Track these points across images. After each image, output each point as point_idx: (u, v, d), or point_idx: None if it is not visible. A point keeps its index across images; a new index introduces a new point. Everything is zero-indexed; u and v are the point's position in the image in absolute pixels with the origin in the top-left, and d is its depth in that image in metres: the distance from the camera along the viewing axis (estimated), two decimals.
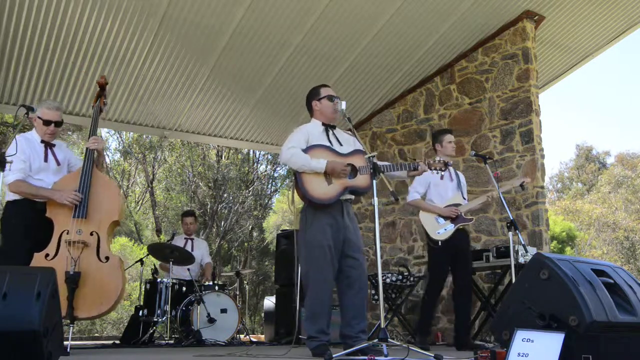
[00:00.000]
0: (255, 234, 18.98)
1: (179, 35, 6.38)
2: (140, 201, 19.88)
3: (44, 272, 2.59)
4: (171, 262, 6.35)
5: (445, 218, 4.98)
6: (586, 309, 2.33)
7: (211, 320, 6.08)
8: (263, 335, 9.57)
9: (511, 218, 4.70)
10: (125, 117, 7.81)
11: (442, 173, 4.91)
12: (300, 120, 7.43)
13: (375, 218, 3.39)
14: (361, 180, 3.80)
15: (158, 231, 17.64)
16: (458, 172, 5.26)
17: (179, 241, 7.10)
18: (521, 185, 5.11)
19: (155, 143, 17.87)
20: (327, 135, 3.93)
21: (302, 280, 3.91)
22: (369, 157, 3.54)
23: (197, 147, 17.58)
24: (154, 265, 6.97)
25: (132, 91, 7.25)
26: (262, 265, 18.20)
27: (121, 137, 18.89)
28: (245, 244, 18.48)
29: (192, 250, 7.00)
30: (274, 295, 8.13)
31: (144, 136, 17.29)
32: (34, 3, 5.68)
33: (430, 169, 3.92)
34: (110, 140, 20.11)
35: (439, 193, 5.08)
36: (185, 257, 6.45)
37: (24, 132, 4.28)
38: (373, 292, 6.71)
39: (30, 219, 3.99)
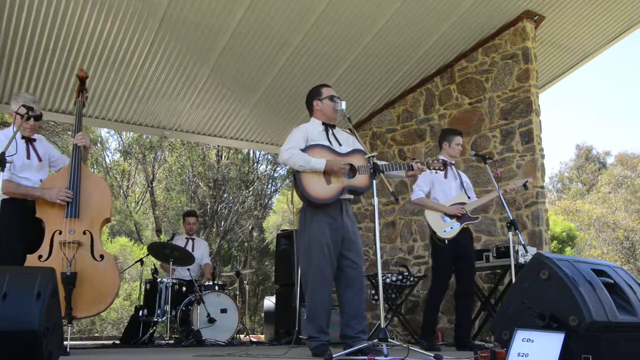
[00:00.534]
0: (255, 234, 18.98)
1: (179, 35, 6.38)
2: (140, 201, 19.88)
3: (44, 272, 2.59)
4: (171, 262, 6.35)
5: (451, 217, 4.97)
6: (586, 309, 2.33)
7: (211, 320, 6.08)
8: (263, 335, 9.57)
9: (511, 218, 4.70)
10: (125, 117, 7.81)
11: (442, 172, 4.95)
12: (300, 120, 7.43)
13: (375, 218, 3.39)
14: (360, 180, 3.81)
15: (158, 231, 17.64)
16: (460, 171, 5.26)
17: (179, 241, 7.10)
18: (524, 185, 5.11)
19: (155, 143, 17.87)
20: (327, 135, 3.93)
21: (301, 280, 3.91)
22: (369, 157, 3.54)
23: (197, 147, 17.59)
24: (154, 265, 6.97)
25: (132, 91, 7.25)
26: (262, 265, 18.20)
27: (121, 137, 18.89)
28: (245, 244, 18.48)
29: (193, 250, 7.00)
30: (274, 295, 8.13)
31: (144, 136, 17.30)
32: (34, 3, 5.68)
33: (429, 168, 3.93)
34: (110, 140, 20.13)
35: (443, 191, 5.08)
36: (185, 257, 6.45)
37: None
38: (373, 292, 6.71)
39: (20, 219, 3.94)
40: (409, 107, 7.90)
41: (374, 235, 3.65)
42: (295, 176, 3.76)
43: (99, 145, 18.71)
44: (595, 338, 2.34)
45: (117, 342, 6.91)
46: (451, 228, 4.94)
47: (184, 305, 6.30)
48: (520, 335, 2.37)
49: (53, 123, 14.05)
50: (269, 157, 18.52)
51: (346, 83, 7.54)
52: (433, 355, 3.18)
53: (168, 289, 6.29)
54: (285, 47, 6.74)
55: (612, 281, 2.61)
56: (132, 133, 17.34)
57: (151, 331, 6.20)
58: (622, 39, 7.65)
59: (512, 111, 6.80)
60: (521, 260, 5.19)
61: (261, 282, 18.09)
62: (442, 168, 3.97)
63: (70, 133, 15.92)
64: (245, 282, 8.68)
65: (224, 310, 6.32)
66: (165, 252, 6.35)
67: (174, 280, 6.49)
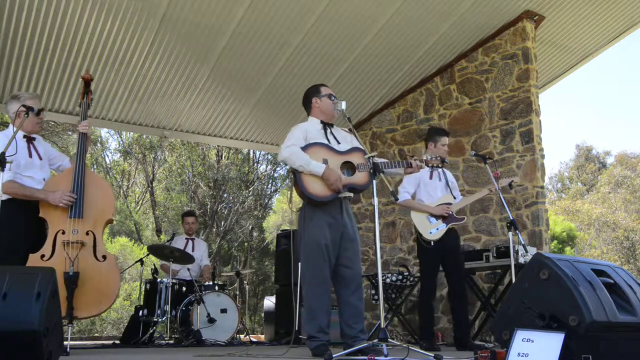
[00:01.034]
0: (255, 234, 18.98)
1: (179, 35, 6.38)
2: (140, 201, 19.88)
3: (44, 272, 2.59)
4: (171, 262, 6.36)
5: (437, 217, 4.97)
6: (586, 309, 2.33)
7: (211, 320, 6.08)
8: (263, 335, 9.58)
9: (511, 218, 4.69)
10: (125, 117, 7.81)
11: (428, 172, 4.96)
12: (300, 120, 7.41)
13: (375, 218, 3.39)
14: (359, 177, 3.81)
15: (158, 231, 17.65)
16: (446, 171, 5.24)
17: (179, 241, 7.11)
18: (509, 185, 5.10)
19: (155, 143, 17.87)
20: (326, 133, 3.93)
21: (301, 280, 3.91)
22: (369, 157, 3.55)
23: (197, 147, 17.59)
24: (154, 265, 6.98)
25: (132, 91, 7.25)
26: (262, 265, 18.20)
27: (121, 137, 18.89)
28: (245, 244, 18.48)
29: (193, 250, 7.01)
30: (274, 295, 8.13)
31: (144, 136, 17.30)
32: (34, 3, 5.68)
33: (428, 166, 3.94)
34: (110, 140, 20.12)
35: (428, 192, 5.08)
36: (184, 259, 6.45)
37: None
38: (373, 292, 6.71)
39: (23, 219, 3.96)
40: (409, 107, 7.90)
41: (374, 235, 3.65)
42: (295, 174, 3.76)
43: (99, 145, 18.72)
44: (595, 338, 2.34)
45: (117, 342, 6.92)
46: (437, 229, 4.94)
47: (184, 305, 6.30)
48: (520, 335, 2.37)
49: (53, 123, 14.04)
50: (269, 157, 18.53)
51: (346, 83, 7.54)
52: (433, 355, 3.18)
53: (168, 289, 6.29)
54: (285, 47, 6.74)
55: (612, 281, 2.61)
56: (132, 133, 17.34)
57: (151, 331, 6.20)
58: (622, 39, 7.65)
59: (512, 111, 6.80)
60: (521, 260, 5.19)
61: (261, 282, 18.09)
62: (440, 165, 3.98)
63: (70, 133, 15.93)
64: (245, 282, 8.68)
65: (224, 310, 6.32)
66: (165, 252, 6.36)
67: (174, 280, 6.49)
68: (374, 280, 6.56)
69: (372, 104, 8.08)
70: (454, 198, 5.12)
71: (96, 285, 3.95)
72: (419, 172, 4.20)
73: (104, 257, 4.06)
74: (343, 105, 3.78)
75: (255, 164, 19.05)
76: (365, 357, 3.11)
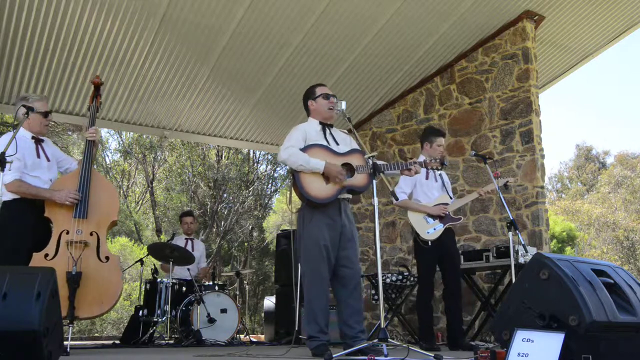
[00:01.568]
0: (255, 234, 18.98)
1: (179, 35, 6.38)
2: (140, 201, 19.88)
3: (44, 272, 2.59)
4: (171, 262, 6.35)
5: (434, 217, 4.98)
6: (586, 309, 2.33)
7: (211, 320, 6.08)
8: (263, 335, 9.58)
9: (511, 218, 4.69)
10: (125, 117, 7.81)
11: (424, 173, 4.96)
12: (300, 120, 7.41)
13: (375, 218, 3.40)
14: (359, 179, 3.82)
15: (158, 231, 17.65)
16: (442, 172, 5.25)
17: (179, 241, 7.11)
18: (505, 185, 5.09)
19: (155, 143, 17.87)
20: (324, 135, 3.94)
21: (300, 280, 3.92)
22: (369, 157, 3.55)
23: (197, 147, 17.59)
24: (154, 265, 6.98)
25: (132, 91, 7.25)
26: (262, 265, 18.20)
27: (121, 137, 18.89)
28: (245, 244, 18.48)
29: (192, 250, 7.00)
30: (274, 295, 8.13)
31: (144, 136, 17.30)
32: (34, 3, 5.68)
33: (427, 168, 3.95)
34: (110, 140, 20.11)
35: (424, 193, 5.08)
36: (185, 257, 6.45)
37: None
38: (373, 292, 6.71)
39: (29, 218, 3.99)
40: (409, 107, 7.90)
41: (374, 235, 3.65)
42: (294, 175, 3.77)
43: (99, 145, 18.71)
44: (595, 338, 2.34)
45: (117, 342, 6.92)
46: (434, 229, 4.94)
47: (184, 305, 6.30)
48: (520, 335, 2.37)
49: (53, 123, 14.06)
50: (269, 157, 18.52)
51: (346, 83, 7.54)
52: (433, 355, 3.18)
53: (168, 289, 6.29)
54: (285, 47, 6.74)
55: (612, 281, 2.61)
56: (132, 133, 17.34)
57: (151, 331, 6.20)
58: (622, 39, 7.65)
59: (512, 111, 6.80)
60: (521, 260, 5.19)
61: (261, 282, 18.09)
62: (439, 167, 3.99)
63: (70, 133, 15.95)
64: (245, 282, 8.68)
65: (224, 310, 6.32)
66: (165, 252, 6.36)
67: (174, 280, 6.49)
68: (374, 280, 6.56)
69: (372, 104, 8.08)
70: (450, 198, 5.13)
71: (98, 285, 3.97)
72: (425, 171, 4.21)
73: (107, 258, 4.09)
74: (343, 105, 3.78)
75: (255, 164, 19.06)
76: (365, 357, 3.11)
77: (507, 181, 5.09)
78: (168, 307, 6.17)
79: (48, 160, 4.19)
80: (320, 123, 3.98)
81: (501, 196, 4.86)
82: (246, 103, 7.82)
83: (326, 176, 3.75)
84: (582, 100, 51.16)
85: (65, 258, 3.89)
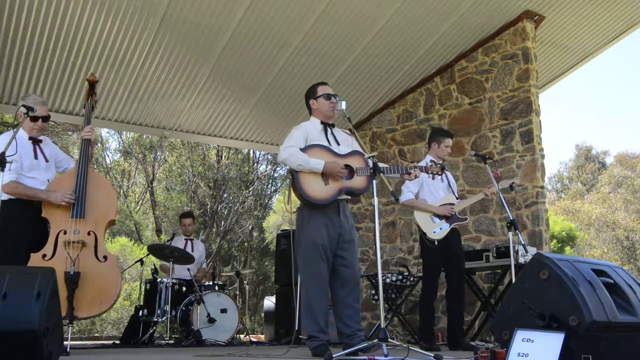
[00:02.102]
0: (255, 234, 18.98)
1: (179, 35, 6.38)
2: (140, 201, 19.88)
3: (44, 272, 2.59)
4: (171, 262, 6.35)
5: (440, 217, 5.00)
6: (586, 309, 2.33)
7: (211, 320, 6.08)
8: (263, 335, 9.58)
9: (511, 218, 4.70)
10: (125, 117, 7.81)
11: (440, 176, 4.98)
12: (300, 120, 7.40)
13: (375, 218, 3.40)
14: (358, 181, 3.82)
15: (158, 231, 17.65)
16: (447, 172, 5.26)
17: (179, 242, 7.11)
18: (510, 187, 5.10)
19: (155, 143, 17.87)
20: (326, 134, 3.94)
21: (299, 280, 3.92)
22: (369, 157, 3.55)
23: (197, 147, 17.59)
24: (154, 265, 6.98)
25: (132, 91, 7.25)
26: (262, 265, 18.20)
27: (121, 137, 18.89)
28: (245, 244, 18.47)
29: (192, 251, 7.01)
30: (274, 295, 8.13)
31: (144, 136, 17.30)
32: (34, 3, 5.68)
33: (427, 172, 3.96)
34: (111, 140, 20.11)
35: (431, 192, 5.11)
36: (185, 258, 6.46)
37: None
38: (373, 292, 6.71)
39: (26, 219, 3.98)
40: (409, 107, 7.90)
41: (374, 235, 3.65)
42: (293, 175, 3.77)
43: (99, 145, 18.72)
44: (595, 338, 2.34)
45: (117, 342, 6.92)
46: (440, 229, 4.97)
47: (184, 305, 6.30)
48: (520, 335, 2.37)
49: (53, 123, 14.05)
50: (269, 157, 18.52)
51: (346, 83, 7.54)
52: (433, 355, 3.18)
53: (168, 289, 6.29)
54: (285, 47, 6.74)
55: (612, 281, 2.61)
56: (132, 133, 17.34)
57: (151, 331, 6.20)
58: (622, 39, 7.65)
59: (512, 111, 6.80)
60: (521, 260, 5.19)
61: (261, 282, 18.09)
62: (440, 173, 4.01)
63: (70, 133, 15.94)
64: (245, 282, 8.69)
65: (224, 310, 6.32)
66: (165, 252, 6.36)
67: (174, 280, 6.49)
68: (374, 280, 6.56)
69: (372, 104, 8.08)
70: (457, 198, 5.15)
71: (97, 285, 3.96)
72: (426, 177, 4.23)
73: (105, 257, 4.07)
74: (343, 105, 3.78)
75: (255, 164, 19.06)
76: (365, 357, 3.11)
77: (513, 182, 5.10)
78: (168, 307, 6.17)
79: (46, 160, 4.18)
80: (322, 122, 3.98)
81: (501, 196, 4.87)
82: (246, 103, 7.82)
83: (326, 177, 3.75)
84: (582, 100, 51.17)
85: (63, 258, 3.88)
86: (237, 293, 11.94)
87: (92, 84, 4.51)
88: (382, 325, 3.25)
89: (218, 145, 16.68)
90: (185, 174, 18.17)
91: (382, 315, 3.34)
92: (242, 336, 7.22)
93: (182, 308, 6.28)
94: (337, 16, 6.33)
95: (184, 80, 7.18)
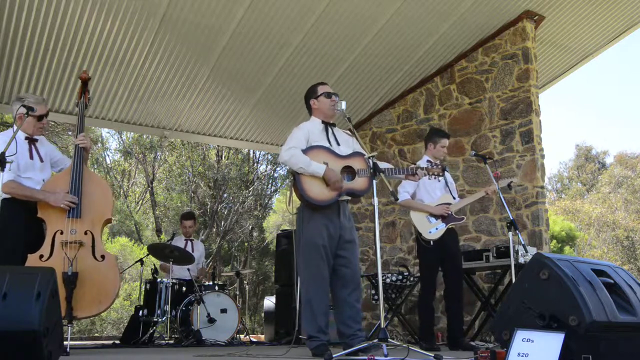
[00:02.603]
0: (255, 234, 18.98)
1: (179, 35, 6.38)
2: (140, 201, 19.88)
3: (44, 272, 2.59)
4: (171, 262, 6.35)
5: (437, 217, 5.01)
6: (586, 309, 2.33)
7: (211, 320, 6.08)
8: (263, 335, 9.58)
9: (511, 218, 4.70)
10: (125, 117, 7.81)
11: (447, 179, 5.02)
12: (300, 120, 7.39)
13: (375, 218, 3.40)
14: (359, 183, 3.82)
15: (158, 231, 17.64)
16: (445, 171, 5.26)
17: (179, 242, 7.11)
18: (508, 186, 5.10)
19: (155, 143, 17.87)
20: (327, 134, 3.94)
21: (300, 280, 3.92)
22: (369, 157, 3.55)
23: (197, 147, 17.59)
24: (154, 265, 6.98)
25: (132, 91, 7.25)
26: (262, 265, 18.20)
27: (121, 137, 18.89)
28: (245, 244, 18.47)
29: (192, 251, 7.01)
30: (274, 295, 8.13)
31: (144, 136, 17.30)
32: (34, 3, 5.67)
33: (429, 174, 3.97)
34: (111, 140, 20.11)
35: (428, 192, 5.12)
36: (185, 257, 6.46)
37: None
38: (373, 292, 6.71)
39: (22, 219, 3.96)
40: (409, 107, 7.90)
41: (374, 235, 3.65)
42: (294, 177, 3.77)
43: (99, 145, 18.72)
44: (595, 338, 2.34)
45: (117, 342, 6.92)
46: (436, 229, 4.98)
47: (184, 305, 6.30)
48: (520, 335, 2.37)
49: (53, 123, 14.05)
50: (269, 157, 18.52)
51: (346, 83, 7.54)
52: (433, 355, 3.18)
53: (168, 289, 6.29)
54: (285, 47, 6.74)
55: (612, 281, 2.61)
56: (132, 133, 17.33)
57: (151, 331, 6.20)
58: (622, 39, 7.65)
59: (512, 111, 6.80)
60: (521, 260, 5.19)
61: (261, 282, 18.09)
62: (441, 174, 4.02)
63: (70, 133, 15.92)
64: (245, 282, 8.69)
65: (224, 310, 6.32)
66: (165, 252, 6.36)
67: (174, 280, 6.49)
68: (374, 280, 6.57)
69: (372, 104, 8.08)
70: (454, 198, 5.15)
71: (95, 285, 3.94)
72: (427, 178, 4.23)
73: (103, 256, 4.05)
74: (343, 105, 3.78)
75: (255, 164, 19.06)
76: (365, 357, 3.11)
77: (511, 181, 5.10)
78: (168, 307, 6.17)
79: (42, 160, 4.15)
80: (323, 122, 3.98)
81: (501, 196, 4.87)
82: (246, 103, 7.82)
83: (325, 181, 3.75)
84: (582, 100, 51.16)
85: (60, 258, 3.86)
86: (237, 293, 11.94)
87: (85, 82, 4.49)
88: (382, 325, 3.25)
89: (218, 145, 16.68)
90: (185, 174, 18.17)
91: (382, 315, 3.34)
92: (242, 336, 7.22)
93: (182, 308, 6.28)
94: (337, 16, 6.33)
95: (184, 80, 7.18)
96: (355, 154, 3.89)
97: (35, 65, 6.53)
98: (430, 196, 5.09)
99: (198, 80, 7.20)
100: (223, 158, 18.14)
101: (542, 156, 6.66)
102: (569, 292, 2.39)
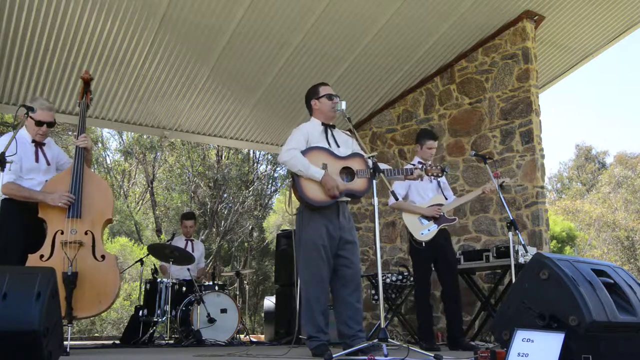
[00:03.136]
0: (255, 234, 18.97)
1: (179, 35, 6.38)
2: (141, 201, 19.88)
3: (44, 272, 2.59)
4: (171, 262, 6.35)
5: (429, 218, 5.02)
6: (586, 309, 2.33)
7: (211, 320, 6.08)
8: (263, 335, 9.58)
9: (511, 218, 4.70)
10: (125, 117, 7.81)
11: (440, 179, 5.01)
12: (300, 120, 7.42)
13: (375, 218, 3.40)
14: (358, 184, 3.82)
15: (158, 231, 17.64)
16: None
17: (179, 242, 7.12)
18: (501, 186, 5.10)
19: (155, 143, 17.87)
20: (326, 136, 3.94)
21: (299, 280, 3.93)
22: (369, 157, 3.55)
23: (197, 147, 17.59)
24: (154, 265, 6.98)
25: (132, 91, 7.25)
26: (262, 265, 18.20)
27: (121, 137, 18.89)
28: (245, 244, 18.47)
29: (192, 251, 7.01)
30: (274, 295, 8.13)
31: (144, 136, 17.30)
32: (34, 3, 5.68)
33: (427, 175, 3.97)
34: (111, 140, 20.10)
35: (419, 194, 5.14)
36: (185, 257, 6.46)
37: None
38: (373, 292, 6.71)
39: (22, 219, 3.97)
40: (409, 107, 7.90)
41: (374, 235, 3.65)
42: (294, 177, 3.78)
43: (99, 145, 18.73)
44: (595, 338, 2.34)
45: (117, 342, 6.92)
46: (428, 230, 4.99)
47: (184, 305, 6.30)
48: (520, 335, 2.37)
49: (55, 124, 14.03)
50: (269, 157, 18.52)
51: (346, 83, 7.54)
52: (433, 355, 3.18)
53: (168, 289, 6.29)
54: (285, 47, 6.74)
55: (612, 281, 2.61)
56: (132, 133, 17.34)
57: (151, 331, 6.20)
58: (622, 39, 7.65)
59: (512, 111, 6.80)
60: (521, 260, 5.19)
61: (261, 282, 18.09)
62: (440, 174, 4.02)
63: (70, 133, 15.92)
64: (245, 282, 8.68)
65: (224, 310, 6.32)
66: (165, 252, 6.36)
67: (174, 280, 6.49)
68: (374, 280, 6.57)
69: (372, 104, 8.08)
70: (446, 199, 5.17)
71: (95, 285, 3.95)
72: (427, 178, 4.26)
73: (103, 257, 4.06)
74: (343, 105, 3.79)
75: (255, 164, 19.06)
76: (365, 357, 3.11)
77: (503, 182, 5.08)
78: (168, 307, 6.17)
79: (48, 164, 4.17)
80: (323, 124, 3.98)
81: (501, 196, 4.87)
82: (246, 103, 7.82)
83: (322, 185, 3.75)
84: (582, 100, 51.16)
85: (60, 258, 3.87)
86: (237, 293, 11.94)
87: (87, 82, 4.49)
88: (382, 325, 3.25)
89: (218, 145, 16.68)
90: (185, 174, 18.18)
91: (382, 315, 3.34)
92: (242, 336, 7.22)
93: (182, 308, 6.28)
94: (337, 16, 6.33)
95: (184, 80, 7.18)
96: (354, 155, 3.89)
97: (36, 65, 6.53)
98: (421, 197, 5.12)
99: (198, 80, 7.20)
100: (223, 158, 18.14)
101: (542, 156, 6.66)
102: (569, 292, 2.39)
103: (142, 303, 6.67)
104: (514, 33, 6.86)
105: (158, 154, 18.40)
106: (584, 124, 50.47)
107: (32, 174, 4.05)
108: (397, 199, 3.70)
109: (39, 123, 4.07)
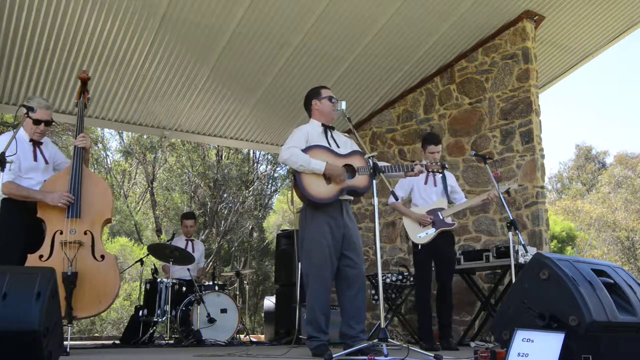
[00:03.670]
0: (255, 234, 18.97)
1: (179, 35, 6.38)
2: (141, 201, 19.88)
3: (44, 272, 2.59)
4: (171, 262, 6.35)
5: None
6: (586, 309, 2.33)
7: (211, 320, 6.08)
8: (263, 335, 9.58)
9: (511, 218, 4.70)
10: (125, 117, 7.81)
11: (423, 177, 5.05)
12: (300, 120, 7.43)
13: (375, 218, 3.40)
14: (360, 180, 3.82)
15: (158, 231, 17.64)
16: (448, 174, 5.27)
17: (179, 242, 7.12)
18: (507, 192, 5.08)
19: (155, 143, 17.87)
20: (326, 137, 3.94)
21: (302, 280, 3.93)
22: (369, 157, 3.55)
23: (198, 147, 17.59)
24: (154, 265, 6.98)
25: (132, 91, 7.25)
26: (262, 265, 18.19)
27: (121, 137, 18.90)
28: (245, 244, 18.47)
29: (192, 251, 7.01)
30: (274, 295, 8.13)
31: (144, 136, 17.30)
32: (34, 3, 5.68)
33: (428, 171, 3.99)
34: (111, 140, 20.10)
35: (422, 197, 5.19)
36: (185, 257, 6.46)
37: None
38: (373, 292, 6.71)
39: (21, 219, 3.96)
40: (409, 107, 7.90)
41: (374, 235, 3.65)
42: (295, 176, 3.77)
43: (99, 145, 18.73)
44: (595, 338, 2.34)
45: (117, 342, 6.92)
46: (426, 233, 5.06)
47: (184, 305, 6.30)
48: (520, 335, 2.37)
49: (53, 123, 14.03)
50: (269, 157, 18.52)
51: (346, 83, 7.54)
52: (433, 355, 3.18)
53: (168, 289, 6.29)
54: (285, 47, 6.74)
55: (612, 281, 2.61)
56: (132, 133, 17.34)
57: (151, 331, 6.20)
58: (622, 39, 7.65)
59: (512, 111, 6.80)
60: (521, 260, 5.20)
61: (261, 282, 18.09)
62: (440, 171, 4.03)
63: (70, 133, 15.91)
64: (245, 282, 8.68)
65: (224, 310, 6.32)
66: (165, 252, 6.36)
67: (174, 280, 6.49)
68: (374, 280, 6.57)
69: (372, 104, 8.08)
70: (450, 202, 5.21)
71: (95, 285, 3.95)
72: (413, 177, 4.29)
73: (103, 256, 4.06)
74: (343, 105, 3.79)
75: (255, 164, 19.05)
76: (365, 357, 3.11)
77: (509, 188, 5.04)
78: (168, 307, 6.17)
79: (46, 162, 4.16)
80: (323, 125, 3.99)
81: (501, 196, 4.86)
82: (246, 103, 7.82)
83: (327, 177, 3.75)
84: (582, 100, 51.15)
85: (60, 259, 3.86)
86: (237, 293, 11.94)
87: (85, 82, 4.49)
88: (382, 325, 3.25)
89: (218, 145, 16.68)
90: (185, 174, 18.18)
91: (382, 315, 3.34)
92: (242, 336, 7.22)
93: (182, 308, 6.28)
94: (337, 16, 6.33)
95: (184, 80, 7.18)
96: (354, 153, 3.89)
97: (35, 65, 6.53)
98: (424, 201, 5.16)
99: (198, 80, 7.20)
100: (223, 158, 18.14)
101: (542, 156, 6.66)
102: (569, 292, 2.39)
103: (142, 303, 6.67)
104: (514, 33, 6.86)
105: (158, 154, 18.40)
106: (584, 124, 50.48)
107: (30, 173, 4.05)
108: (397, 199, 3.71)
109: (36, 122, 4.07)
